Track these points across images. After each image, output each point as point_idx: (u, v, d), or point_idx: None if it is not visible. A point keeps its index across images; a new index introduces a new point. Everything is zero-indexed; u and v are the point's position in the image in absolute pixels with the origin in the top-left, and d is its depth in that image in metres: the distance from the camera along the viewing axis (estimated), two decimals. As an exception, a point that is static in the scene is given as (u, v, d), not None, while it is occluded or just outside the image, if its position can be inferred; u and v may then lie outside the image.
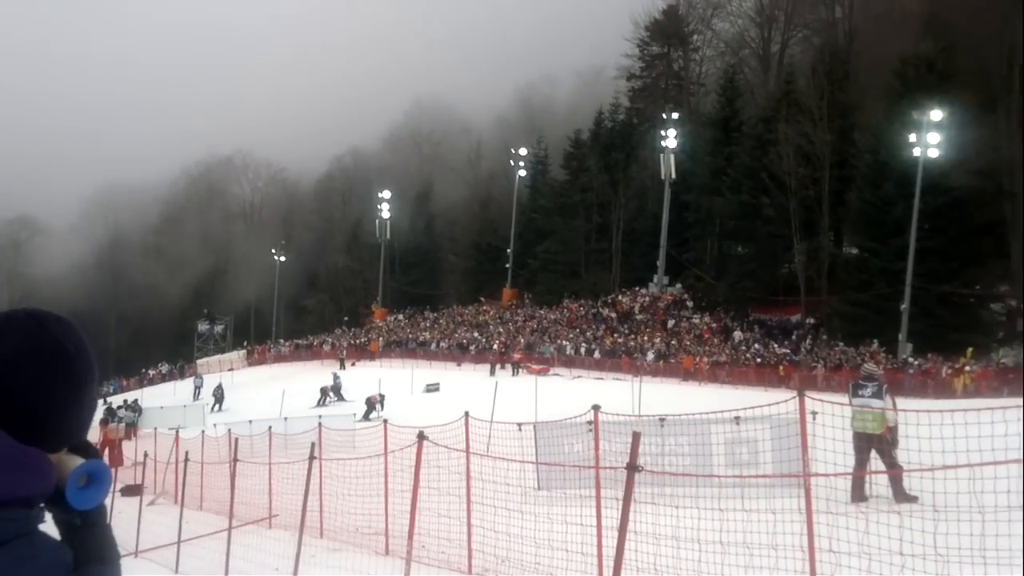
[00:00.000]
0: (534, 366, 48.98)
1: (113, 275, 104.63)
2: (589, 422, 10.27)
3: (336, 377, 43.66)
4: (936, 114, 43.42)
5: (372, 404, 35.05)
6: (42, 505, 1.32)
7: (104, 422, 29.50)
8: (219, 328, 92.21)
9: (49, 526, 1.38)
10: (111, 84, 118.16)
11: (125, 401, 40.74)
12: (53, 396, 1.30)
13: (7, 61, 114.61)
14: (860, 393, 12.31)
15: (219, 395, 45.90)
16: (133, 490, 18.64)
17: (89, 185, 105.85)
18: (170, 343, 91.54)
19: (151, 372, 73.62)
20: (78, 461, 1.36)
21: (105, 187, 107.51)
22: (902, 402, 14.02)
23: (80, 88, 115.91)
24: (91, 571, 1.37)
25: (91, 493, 1.36)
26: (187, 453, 15.69)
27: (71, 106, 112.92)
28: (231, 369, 66.28)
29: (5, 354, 1.27)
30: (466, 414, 11.38)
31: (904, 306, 43.67)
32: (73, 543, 1.36)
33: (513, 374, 46.96)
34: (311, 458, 10.17)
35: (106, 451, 26.11)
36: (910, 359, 41.67)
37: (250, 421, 26.33)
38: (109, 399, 40.58)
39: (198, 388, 51.41)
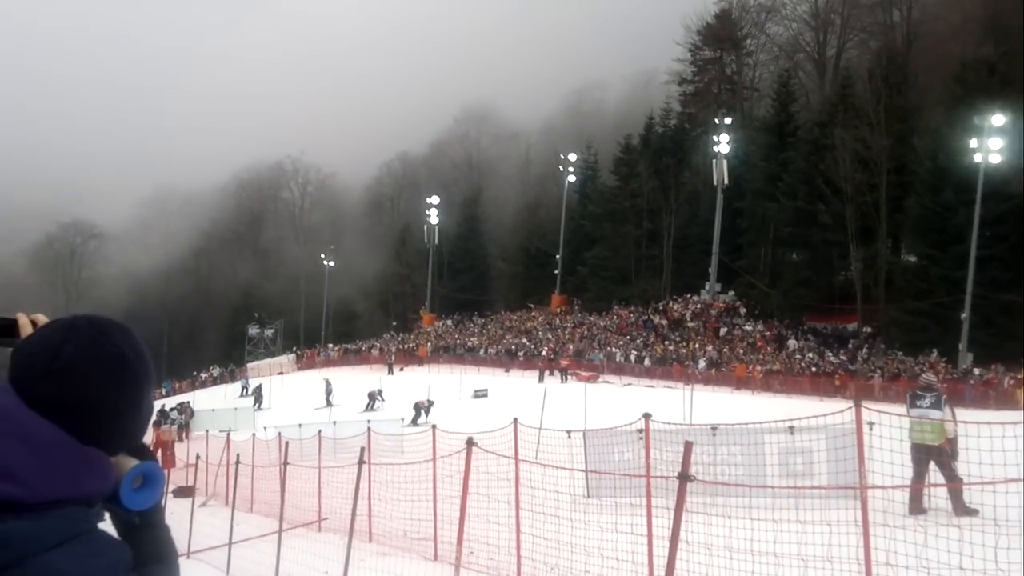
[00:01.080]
0: (583, 373, 48.79)
1: (166, 279, 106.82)
2: (640, 430, 10.15)
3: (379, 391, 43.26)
4: (997, 119, 42.52)
5: (420, 409, 35.21)
6: (101, 505, 1.35)
7: (157, 424, 30.10)
8: (269, 332, 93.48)
9: (107, 526, 1.39)
10: (164, 92, 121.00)
11: (177, 404, 41.66)
12: (113, 400, 1.33)
13: (63, 71, 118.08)
14: (918, 404, 12.05)
15: (258, 395, 46.96)
16: (185, 491, 18.93)
17: (143, 190, 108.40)
18: (221, 346, 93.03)
19: (203, 375, 74.88)
20: (133, 462, 1.40)
21: (158, 192, 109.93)
22: (962, 413, 13.64)
23: (134, 96, 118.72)
24: (150, 571, 1.40)
25: (145, 494, 1.39)
26: (238, 456, 15.88)
27: (125, 113, 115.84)
28: (281, 373, 67.18)
29: (68, 359, 1.31)
30: (515, 420, 11.33)
31: (964, 315, 42.70)
32: (132, 543, 1.39)
33: (562, 381, 46.81)
34: (360, 462, 10.19)
35: (159, 452, 26.58)
36: (971, 369, 40.66)
37: (300, 425, 26.60)
38: (162, 401, 41.56)
39: (244, 388, 52.80)
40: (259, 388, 49.68)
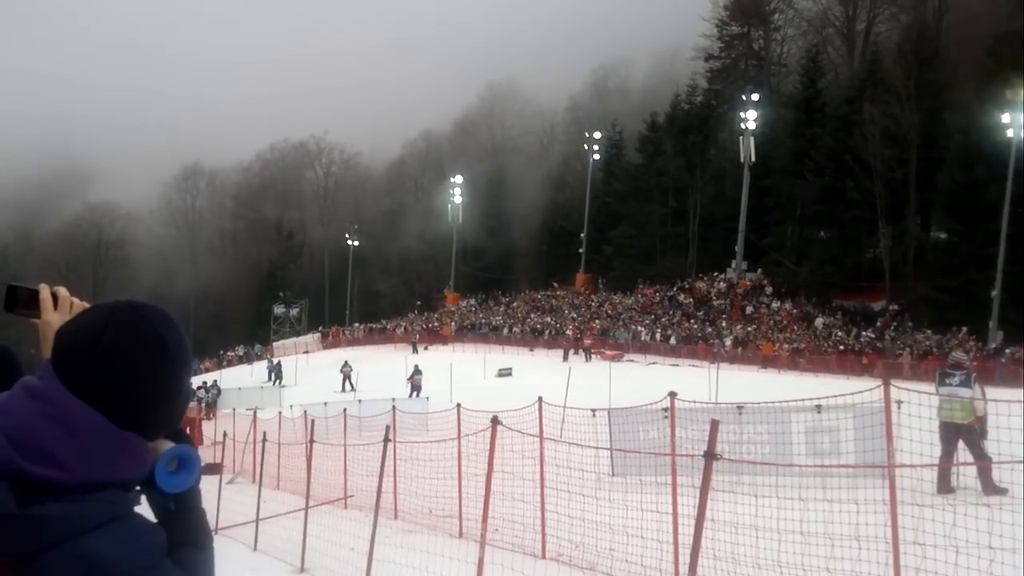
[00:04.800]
0: (608, 352, 48.75)
1: (192, 259, 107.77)
2: (665, 409, 10.10)
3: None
4: (1031, 93, 41.67)
5: (347, 377, 36.67)
6: (138, 488, 1.38)
7: (183, 402, 30.46)
8: (294, 311, 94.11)
9: (144, 508, 1.42)
10: (189, 73, 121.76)
11: (204, 383, 42.08)
12: (153, 386, 1.35)
13: (88, 52, 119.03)
14: (948, 382, 11.97)
15: (278, 372, 47.60)
16: (213, 469, 19.12)
17: (169, 171, 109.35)
18: (247, 326, 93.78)
19: (229, 354, 75.57)
20: (169, 446, 1.42)
21: (184, 173, 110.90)
22: (992, 391, 13.48)
23: (159, 77, 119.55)
24: (184, 554, 1.42)
25: (181, 477, 1.40)
26: (264, 433, 16.01)
27: (151, 95, 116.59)
28: (306, 352, 67.64)
29: (109, 345, 1.32)
30: (540, 399, 11.32)
31: (995, 292, 42.18)
32: (167, 525, 1.41)
33: (586, 360, 46.80)
34: (386, 440, 10.23)
35: (186, 430, 26.89)
36: (1001, 347, 40.17)
37: (325, 403, 26.78)
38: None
39: (270, 372, 53.71)
40: (278, 365, 50.24)
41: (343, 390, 40.03)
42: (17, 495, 1.22)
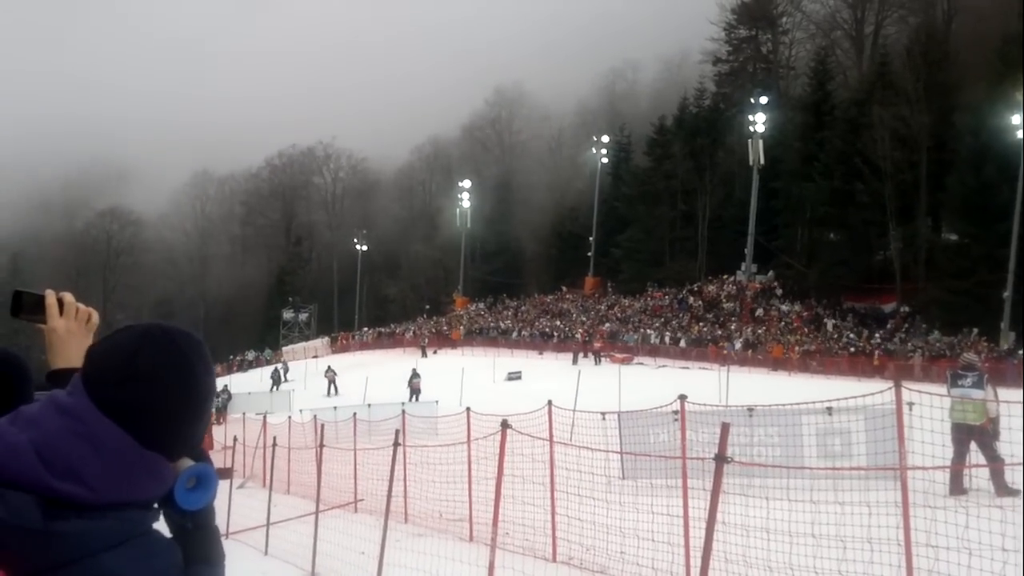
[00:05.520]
0: (617, 355, 48.67)
1: (201, 263, 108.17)
2: (675, 412, 10.09)
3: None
4: (1041, 94, 41.49)
5: (277, 377, 36.94)
6: (155, 506, 1.41)
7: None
8: (303, 316, 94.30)
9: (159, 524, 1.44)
10: (197, 79, 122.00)
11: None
12: (180, 410, 1.36)
13: (96, 58, 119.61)
14: (959, 383, 11.92)
15: (276, 377, 47.99)
16: (223, 473, 19.13)
17: (178, 177, 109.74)
18: (257, 331, 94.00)
19: (239, 359, 75.73)
20: (188, 463, 1.43)
21: (193, 179, 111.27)
22: (1004, 393, 13.41)
23: (168, 83, 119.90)
24: (196, 571, 1.44)
25: (198, 495, 1.42)
26: (275, 438, 16.05)
27: (159, 101, 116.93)
28: (315, 356, 67.75)
29: (141, 368, 1.33)
30: (549, 403, 11.31)
31: (1007, 294, 41.97)
32: (181, 542, 1.43)
33: (596, 363, 46.73)
34: (395, 444, 10.24)
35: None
36: (1013, 348, 39.97)
37: (335, 408, 26.82)
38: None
39: (276, 375, 54.08)
40: (277, 370, 50.57)
41: (328, 394, 41.58)
42: (43, 510, 1.24)
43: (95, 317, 1.99)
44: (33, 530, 1.22)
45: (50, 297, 1.91)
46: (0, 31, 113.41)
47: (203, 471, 1.43)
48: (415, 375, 38.35)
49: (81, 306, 1.95)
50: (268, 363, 64.97)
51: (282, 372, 52.47)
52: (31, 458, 1.26)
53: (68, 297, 1.94)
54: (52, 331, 1.91)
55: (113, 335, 1.41)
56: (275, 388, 46.48)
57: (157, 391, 1.33)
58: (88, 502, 1.26)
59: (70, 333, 1.93)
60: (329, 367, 47.21)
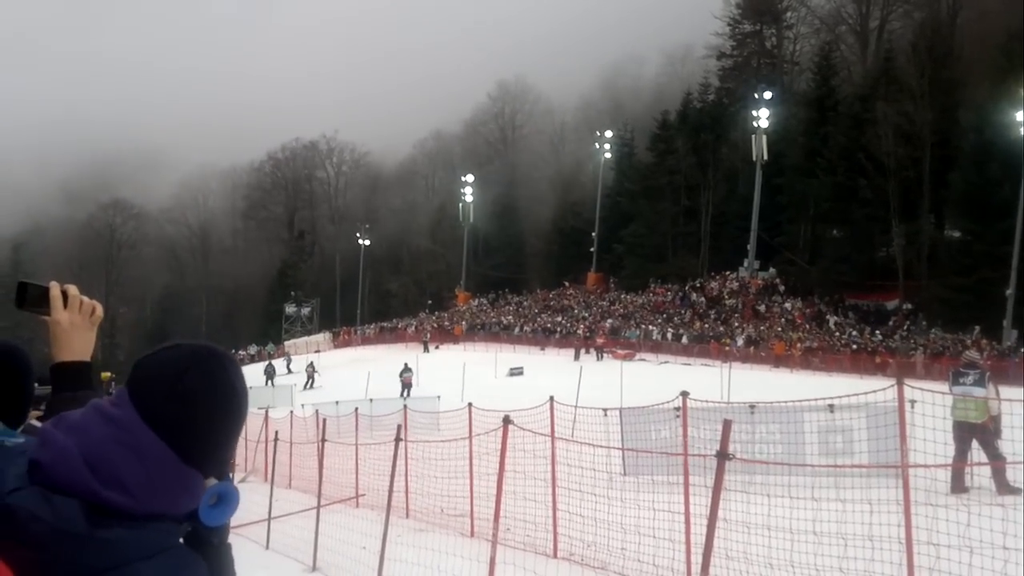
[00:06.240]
0: (619, 351, 48.65)
1: (203, 258, 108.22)
2: (677, 408, 10.08)
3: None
4: (1045, 91, 41.46)
5: (407, 384, 37.32)
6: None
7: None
8: (306, 310, 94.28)
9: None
10: (200, 71, 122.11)
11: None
12: (220, 428, 1.41)
13: (96, 51, 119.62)
14: (961, 381, 11.93)
15: (270, 372, 48.74)
16: (226, 466, 19.19)
17: (180, 171, 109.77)
18: (259, 325, 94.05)
19: (241, 353, 75.69)
20: (212, 481, 1.47)
21: (195, 172, 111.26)
22: (1006, 391, 13.44)
23: (170, 77, 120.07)
24: None
25: (219, 511, 1.45)
26: (276, 432, 16.05)
27: (161, 94, 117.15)
28: (318, 351, 67.75)
29: (190, 387, 1.37)
30: (551, 399, 11.31)
31: (1009, 291, 41.96)
32: (204, 556, 1.47)
33: (598, 359, 46.72)
34: (397, 440, 10.24)
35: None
36: (1015, 346, 39.94)
37: (336, 402, 26.82)
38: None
39: (288, 366, 54.01)
40: (271, 364, 50.83)
41: (304, 388, 43.23)
42: (87, 516, 1.27)
43: (99, 310, 1.99)
44: (77, 535, 1.25)
45: (55, 289, 1.92)
46: None
47: (226, 489, 1.46)
48: (406, 369, 38.58)
49: (85, 299, 1.96)
50: (271, 357, 65.02)
51: (276, 367, 52.54)
52: (79, 464, 1.29)
53: (72, 290, 1.94)
54: (56, 324, 1.92)
55: (161, 351, 1.45)
56: (269, 383, 46.62)
57: (202, 410, 1.37)
58: (129, 511, 1.30)
59: (74, 326, 1.94)
60: (311, 363, 48.72)
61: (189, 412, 1.36)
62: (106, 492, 1.28)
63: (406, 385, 37.39)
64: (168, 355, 1.43)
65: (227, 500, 1.46)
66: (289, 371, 51.78)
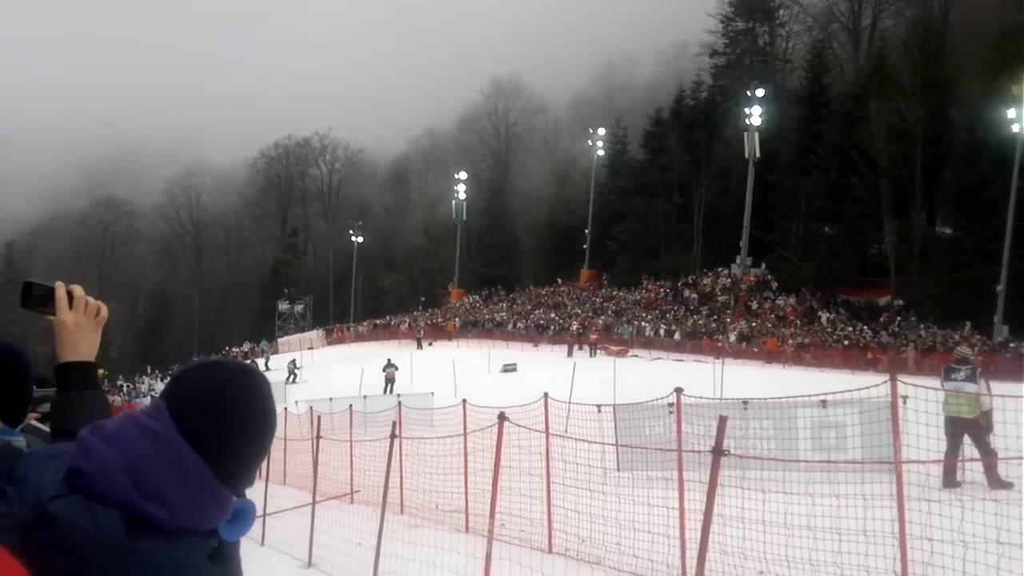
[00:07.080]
0: (612, 347, 48.68)
1: (196, 255, 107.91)
2: (670, 404, 10.11)
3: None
4: (1036, 88, 41.54)
5: (390, 379, 37.29)
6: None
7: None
8: (299, 308, 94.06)
9: None
10: (192, 68, 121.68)
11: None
12: (253, 447, 1.46)
13: (91, 47, 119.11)
14: (953, 377, 11.97)
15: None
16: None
17: (172, 167, 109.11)
18: (252, 322, 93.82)
19: (234, 350, 75.51)
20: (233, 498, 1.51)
21: (187, 169, 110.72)
22: (997, 386, 13.50)
23: (162, 72, 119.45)
24: None
25: (236, 526, 1.48)
26: (271, 429, 15.97)
27: (153, 90, 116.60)
28: (311, 348, 67.65)
29: (229, 406, 1.41)
30: (545, 395, 11.33)
31: (1000, 287, 42.11)
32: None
33: (591, 355, 46.76)
34: (392, 436, 10.25)
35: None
36: (1006, 342, 40.12)
37: (331, 399, 26.80)
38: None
39: (267, 363, 54.34)
40: (255, 363, 50.80)
41: (286, 383, 43.40)
42: (127, 527, 1.30)
43: (104, 311, 1.99)
44: (116, 546, 1.28)
45: (60, 289, 1.92)
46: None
47: (244, 506, 1.49)
48: (389, 364, 38.54)
49: (91, 299, 1.96)
50: (264, 355, 64.80)
51: (258, 364, 52.60)
52: (122, 476, 1.32)
53: (78, 290, 1.95)
54: (61, 324, 1.92)
55: (200, 368, 1.48)
56: None
57: (240, 428, 1.42)
58: (167, 525, 1.33)
59: (79, 326, 1.94)
60: (293, 360, 50.29)
61: (227, 432, 1.40)
62: (147, 505, 1.31)
63: (389, 380, 37.28)
64: (207, 372, 1.46)
65: (244, 516, 1.49)
66: (267, 368, 51.55)
